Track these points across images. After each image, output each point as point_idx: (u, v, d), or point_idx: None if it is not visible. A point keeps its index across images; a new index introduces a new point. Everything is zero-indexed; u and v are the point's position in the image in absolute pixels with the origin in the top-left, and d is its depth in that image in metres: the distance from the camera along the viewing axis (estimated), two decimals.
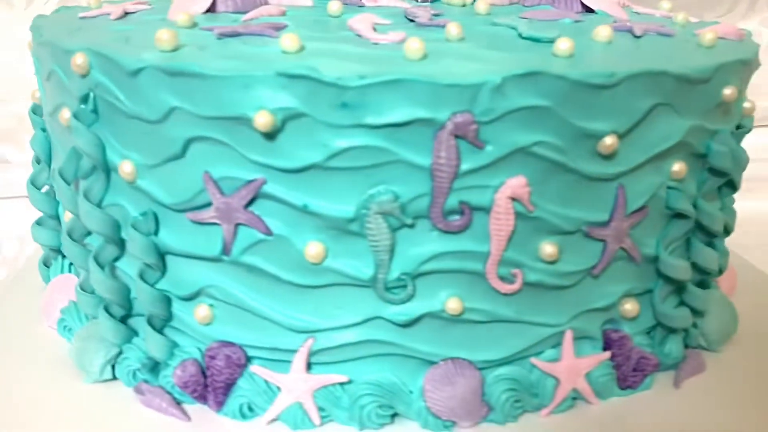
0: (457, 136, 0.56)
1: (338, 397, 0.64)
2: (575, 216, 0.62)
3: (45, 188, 0.83)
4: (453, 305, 0.61)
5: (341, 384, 0.64)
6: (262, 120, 0.55)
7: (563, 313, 0.65)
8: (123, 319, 0.69)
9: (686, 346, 0.74)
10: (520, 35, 0.66)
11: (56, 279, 0.81)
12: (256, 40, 0.63)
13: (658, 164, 0.64)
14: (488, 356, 0.65)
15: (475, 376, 0.64)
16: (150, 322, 0.66)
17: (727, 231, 0.90)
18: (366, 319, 0.62)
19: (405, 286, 0.61)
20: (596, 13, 0.82)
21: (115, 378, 0.69)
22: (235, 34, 0.64)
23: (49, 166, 0.81)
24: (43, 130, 0.81)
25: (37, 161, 0.84)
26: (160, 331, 0.67)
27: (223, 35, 0.63)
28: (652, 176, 0.64)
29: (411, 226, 0.59)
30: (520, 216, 0.60)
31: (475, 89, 0.55)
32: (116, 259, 0.68)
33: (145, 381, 0.67)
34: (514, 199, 0.59)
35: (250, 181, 0.58)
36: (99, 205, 0.66)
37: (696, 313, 0.73)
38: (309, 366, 0.64)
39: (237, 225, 0.60)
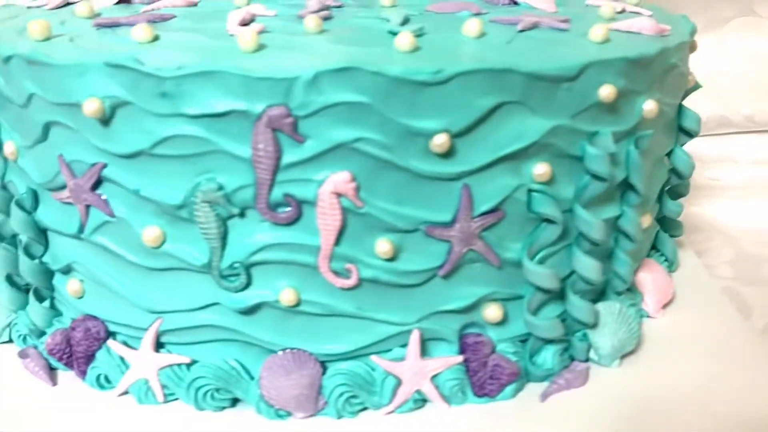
0: (274, 129, 0.56)
1: (181, 377, 0.66)
2: (411, 215, 0.60)
3: None
4: (287, 296, 0.62)
5: (187, 365, 0.66)
6: (92, 106, 0.58)
7: (410, 312, 0.64)
8: (23, 289, 0.75)
9: (572, 359, 0.70)
10: (389, 30, 0.65)
11: None
12: (125, 32, 0.65)
13: (514, 165, 0.61)
14: (329, 350, 0.64)
15: (314, 368, 0.64)
16: (35, 293, 0.71)
17: (674, 235, 0.85)
18: (207, 304, 0.64)
19: (239, 275, 0.62)
20: (519, 5, 0.79)
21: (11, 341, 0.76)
22: (113, 25, 0.67)
23: None
24: None
25: None
26: (43, 301, 0.71)
27: (100, 26, 0.67)
28: (506, 177, 0.61)
29: (241, 215, 0.60)
30: (349, 212, 0.59)
31: (289, 83, 0.55)
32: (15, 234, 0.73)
33: (35, 347, 0.73)
34: (339, 195, 0.58)
35: (93, 165, 0.62)
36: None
37: (581, 324, 0.69)
38: (161, 345, 0.67)
39: (87, 206, 0.64)
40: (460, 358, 0.65)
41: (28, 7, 0.82)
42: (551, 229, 0.64)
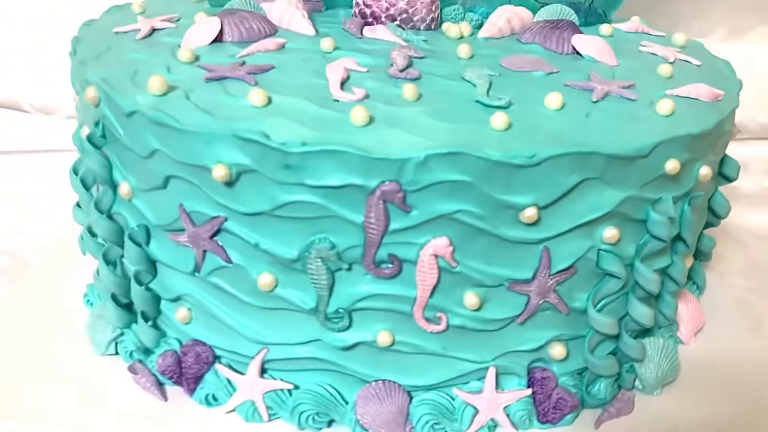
0: (385, 201, 0.64)
1: (284, 400, 0.75)
2: (497, 273, 0.68)
3: None
4: (384, 338, 0.70)
5: (289, 390, 0.75)
6: (220, 173, 0.64)
7: (488, 352, 0.73)
8: (126, 306, 0.82)
9: (620, 387, 0.80)
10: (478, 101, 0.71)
11: None
12: (235, 88, 0.71)
13: (588, 230, 0.69)
14: (416, 382, 0.74)
15: (402, 398, 0.73)
16: (142, 315, 0.79)
17: (703, 260, 0.93)
18: (310, 340, 0.72)
19: (342, 318, 0.70)
20: (583, 57, 0.85)
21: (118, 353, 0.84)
22: (220, 78, 0.73)
23: None
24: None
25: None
26: (150, 321, 0.79)
27: (209, 80, 0.73)
28: (581, 240, 0.69)
29: (348, 269, 0.68)
30: (444, 270, 0.67)
31: (402, 163, 0.62)
32: (122, 256, 0.80)
33: (140, 361, 0.81)
34: (437, 256, 0.66)
35: (214, 217, 0.69)
36: (107, 213, 0.78)
37: (631, 359, 0.79)
38: (264, 371, 0.76)
39: (204, 251, 0.71)
40: (530, 392, 0.75)
41: (116, 33, 0.87)
42: (615, 282, 0.72)
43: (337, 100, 0.70)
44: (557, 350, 0.75)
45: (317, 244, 0.67)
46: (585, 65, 0.83)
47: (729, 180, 0.88)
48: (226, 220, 0.68)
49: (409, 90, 0.70)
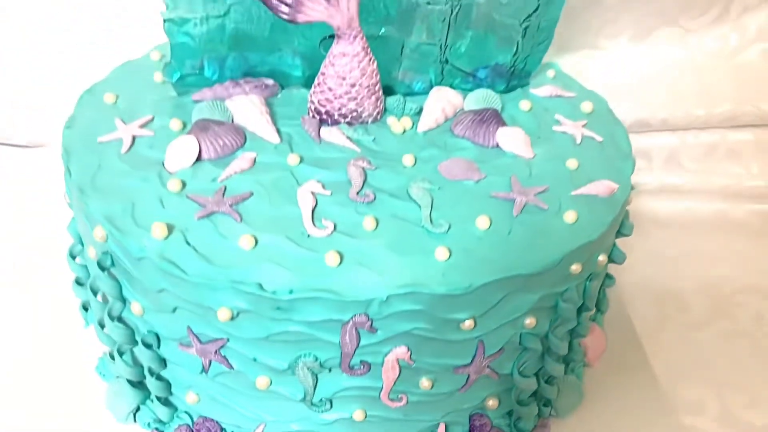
0: (356, 327, 0.82)
1: None
2: (445, 363, 0.88)
3: (78, 259, 1.10)
4: (358, 415, 0.90)
5: None
6: (223, 315, 0.81)
7: (438, 413, 0.94)
8: (140, 383, 0.99)
9: (540, 417, 1.03)
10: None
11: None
12: (225, 225, 0.86)
13: (512, 323, 0.89)
14: None
15: None
16: (156, 397, 0.96)
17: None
18: (301, 418, 0.92)
19: (325, 404, 0.89)
20: (506, 153, 1.02)
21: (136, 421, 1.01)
22: (209, 214, 0.87)
23: (83, 245, 1.08)
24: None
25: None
26: (164, 402, 0.97)
27: (200, 217, 0.87)
28: (507, 330, 0.89)
29: (329, 371, 0.87)
30: (403, 366, 0.87)
31: (369, 302, 0.79)
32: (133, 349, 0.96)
33: (158, 429, 0.99)
34: (399, 359, 0.85)
35: (218, 338, 0.85)
36: (118, 318, 0.93)
37: (548, 397, 1.01)
38: None
39: (210, 360, 0.88)
40: None
41: (99, 142, 0.99)
42: (533, 353, 0.93)
43: (309, 236, 0.86)
44: (491, 402, 0.97)
45: (303, 357, 0.85)
46: (507, 163, 1.00)
47: (625, 236, 1.08)
48: (228, 340, 0.85)
49: (368, 222, 0.86)
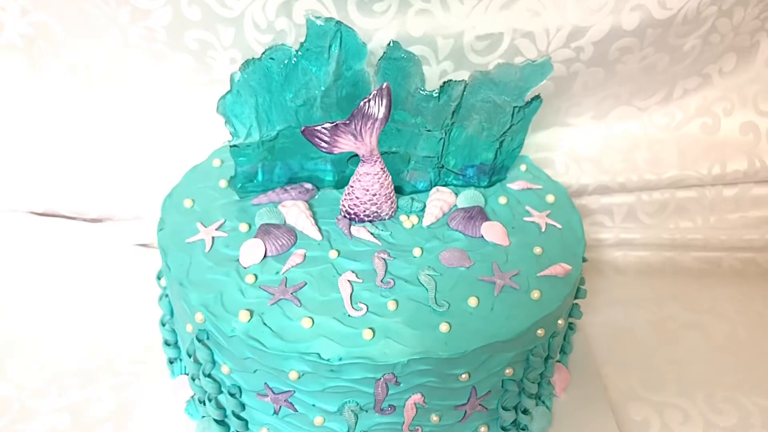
0: (386, 382, 1.16)
1: None
2: (448, 404, 1.23)
3: (167, 326, 1.44)
4: None
5: None
6: (293, 375, 1.15)
7: None
8: (223, 422, 1.34)
9: None
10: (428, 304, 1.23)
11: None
12: (289, 309, 1.20)
13: (495, 373, 1.24)
14: None
15: None
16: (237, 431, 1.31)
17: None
18: None
19: None
20: (488, 243, 1.36)
21: None
22: (278, 300, 1.22)
23: (171, 315, 1.42)
24: (166, 295, 1.42)
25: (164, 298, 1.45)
26: None
27: (272, 303, 1.22)
28: (493, 379, 1.24)
29: (366, 412, 1.21)
30: (419, 407, 1.21)
31: (394, 365, 1.14)
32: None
33: None
34: (415, 402, 1.20)
35: (287, 390, 1.20)
36: (209, 375, 1.28)
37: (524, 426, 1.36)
38: None
39: (281, 405, 1.23)
40: None
41: (187, 242, 1.34)
42: (512, 393, 1.28)
43: (350, 316, 1.20)
44: (483, 429, 1.31)
45: (348, 403, 1.19)
46: (490, 251, 1.35)
47: (580, 298, 1.43)
48: (294, 392, 1.20)
49: (391, 304, 1.21)
